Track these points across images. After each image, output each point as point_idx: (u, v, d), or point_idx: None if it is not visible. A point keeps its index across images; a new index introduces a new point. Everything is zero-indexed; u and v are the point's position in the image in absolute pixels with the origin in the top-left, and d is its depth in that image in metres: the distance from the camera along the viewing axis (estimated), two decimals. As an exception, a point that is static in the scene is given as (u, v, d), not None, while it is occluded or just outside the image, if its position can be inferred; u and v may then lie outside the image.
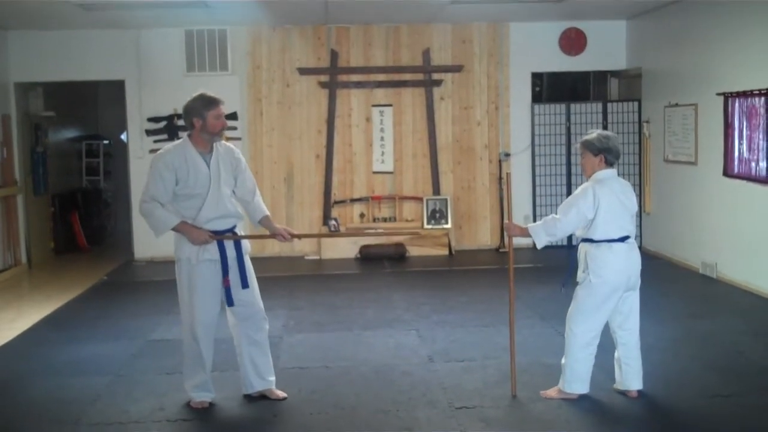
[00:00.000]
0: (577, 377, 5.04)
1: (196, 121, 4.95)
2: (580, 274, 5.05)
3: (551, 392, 5.16)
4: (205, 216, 4.97)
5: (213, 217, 5.00)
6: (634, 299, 5.08)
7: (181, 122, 10.59)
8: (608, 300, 4.95)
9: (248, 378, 5.23)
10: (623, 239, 4.95)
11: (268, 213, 5.33)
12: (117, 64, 10.77)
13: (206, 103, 4.97)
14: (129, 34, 10.70)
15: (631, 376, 5.11)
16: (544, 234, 5.00)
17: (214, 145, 5.06)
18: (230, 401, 5.24)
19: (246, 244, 5.20)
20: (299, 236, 5.83)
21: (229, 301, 5.06)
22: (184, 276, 5.04)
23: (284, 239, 5.24)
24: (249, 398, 5.26)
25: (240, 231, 5.24)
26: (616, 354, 5.16)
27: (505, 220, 5.24)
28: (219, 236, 5.01)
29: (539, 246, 5.06)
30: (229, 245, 5.05)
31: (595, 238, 4.94)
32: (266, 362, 5.25)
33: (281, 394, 5.27)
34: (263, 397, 5.25)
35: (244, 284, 5.08)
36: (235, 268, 5.07)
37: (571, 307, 5.09)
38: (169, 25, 10.56)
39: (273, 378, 5.30)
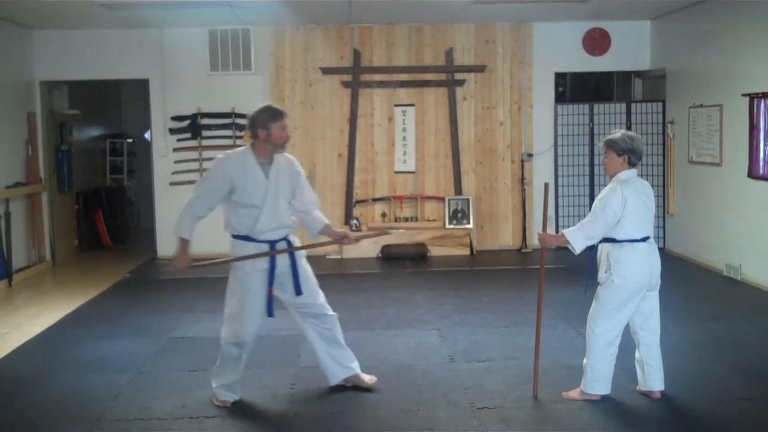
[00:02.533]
0: (598, 378, 5.02)
1: (261, 132, 5.01)
2: (601, 275, 5.02)
3: (573, 393, 5.13)
4: (262, 227, 5.03)
5: (269, 229, 5.05)
6: (654, 299, 5.06)
7: (204, 121, 10.77)
8: (630, 300, 4.93)
9: (329, 369, 5.34)
10: (645, 239, 4.95)
11: (327, 221, 5.40)
12: (141, 63, 10.84)
13: (272, 115, 5.03)
14: (153, 34, 10.77)
15: (653, 377, 5.08)
16: (583, 238, 4.92)
17: (275, 156, 5.10)
18: (252, 398, 5.27)
19: (299, 251, 5.24)
20: (362, 237, 5.93)
21: (269, 311, 5.10)
22: (238, 282, 5.09)
23: (350, 242, 5.36)
24: (332, 389, 5.36)
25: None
26: (637, 355, 5.14)
27: (539, 231, 5.21)
28: (276, 251, 5.05)
29: (577, 251, 4.96)
30: (281, 254, 5.10)
31: (619, 238, 4.93)
32: (343, 351, 5.36)
33: (369, 378, 5.38)
34: (354, 386, 5.34)
35: (298, 291, 5.14)
36: (289, 275, 5.12)
37: (592, 308, 5.06)
38: (193, 25, 10.61)
39: (355, 363, 5.39)
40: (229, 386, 5.21)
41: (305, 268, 5.23)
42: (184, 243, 5.04)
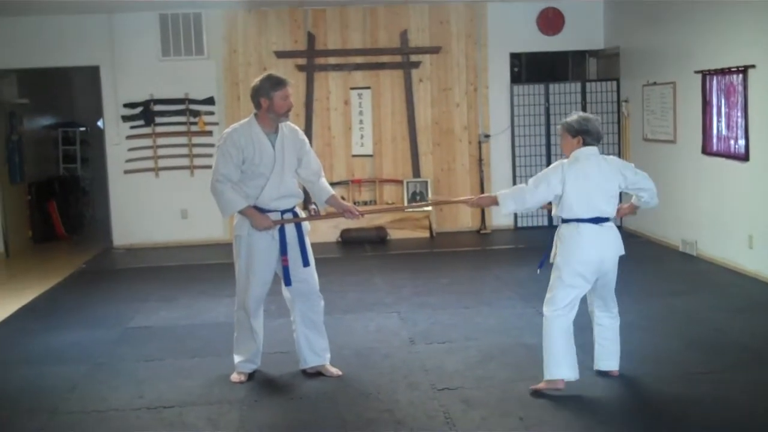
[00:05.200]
0: (556, 362, 4.85)
1: (263, 101, 5.08)
2: (552, 255, 4.97)
3: (540, 385, 4.94)
4: (268, 195, 5.10)
5: (275, 197, 5.12)
6: (609, 284, 4.96)
7: (157, 107, 10.62)
8: (577, 282, 4.81)
9: (302, 353, 5.36)
10: (595, 220, 4.82)
11: (333, 192, 5.44)
12: (91, 49, 10.62)
13: (274, 83, 5.09)
14: (102, 19, 10.56)
15: (605, 356, 5.06)
16: (512, 201, 4.90)
17: (280, 125, 5.16)
18: (210, 386, 5.21)
19: (305, 224, 5.30)
20: (367, 212, 5.91)
21: (287, 281, 5.17)
22: (243, 251, 5.17)
23: (353, 216, 5.34)
24: (305, 374, 5.36)
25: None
26: (593, 334, 5.12)
27: (469, 196, 5.23)
28: (283, 220, 5.13)
29: (504, 212, 5.00)
30: (289, 224, 5.17)
31: (564, 216, 4.86)
32: (320, 340, 5.38)
33: (335, 371, 5.36)
34: (318, 373, 5.34)
35: (305, 262, 5.21)
36: (296, 246, 5.19)
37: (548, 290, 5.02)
38: (143, 9, 10.43)
39: (328, 355, 5.41)
40: (250, 358, 5.33)
41: (308, 243, 5.28)
42: (249, 211, 5.07)
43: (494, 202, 5.02)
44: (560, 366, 4.87)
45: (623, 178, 4.90)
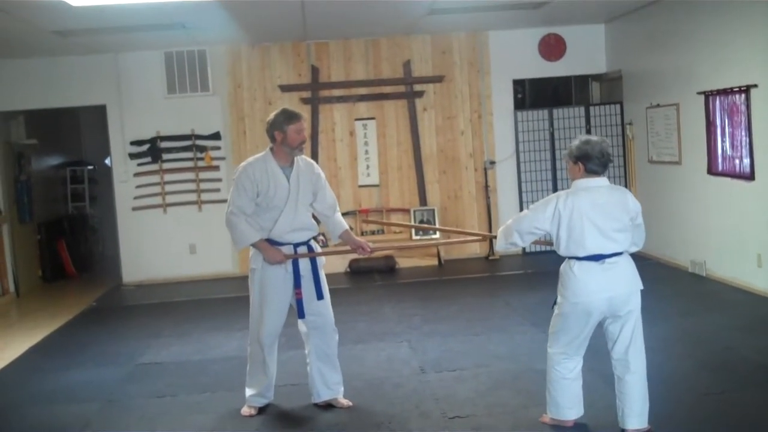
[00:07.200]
0: (555, 402, 4.67)
1: (278, 135, 5.15)
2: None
3: (547, 421, 4.79)
4: (282, 228, 5.14)
5: (288, 230, 5.16)
6: (625, 329, 4.51)
7: (163, 144, 10.69)
8: (575, 324, 4.47)
9: (316, 387, 5.34)
10: (595, 258, 4.40)
11: (347, 227, 5.50)
12: (97, 88, 10.73)
13: (287, 117, 5.16)
14: (108, 59, 10.67)
15: (625, 413, 4.52)
16: (503, 237, 4.63)
17: (295, 159, 5.23)
18: (223, 422, 5.22)
19: (320, 257, 5.32)
20: (377, 249, 5.89)
21: (301, 314, 5.19)
22: (257, 285, 5.21)
23: (365, 252, 5.39)
24: (317, 407, 5.34)
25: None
26: (615, 386, 4.65)
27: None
28: (295, 255, 5.16)
29: (497, 248, 4.77)
30: (303, 259, 5.21)
31: (559, 252, 4.51)
32: (334, 374, 5.37)
33: (346, 402, 5.36)
34: (329, 405, 5.34)
35: (319, 296, 5.23)
36: (310, 279, 5.21)
37: None
38: (148, 48, 10.54)
39: (341, 388, 5.40)
40: (261, 392, 5.33)
41: (323, 276, 5.31)
42: (261, 244, 5.10)
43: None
44: (559, 407, 4.67)
45: (630, 219, 4.49)
